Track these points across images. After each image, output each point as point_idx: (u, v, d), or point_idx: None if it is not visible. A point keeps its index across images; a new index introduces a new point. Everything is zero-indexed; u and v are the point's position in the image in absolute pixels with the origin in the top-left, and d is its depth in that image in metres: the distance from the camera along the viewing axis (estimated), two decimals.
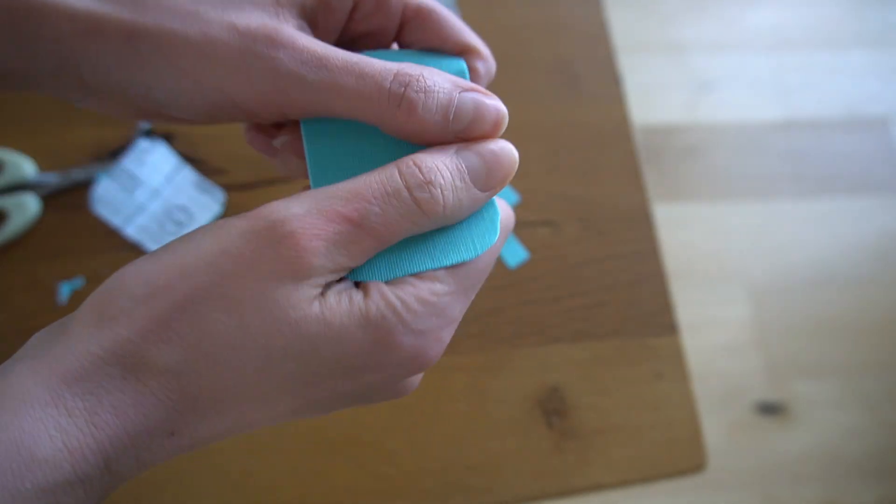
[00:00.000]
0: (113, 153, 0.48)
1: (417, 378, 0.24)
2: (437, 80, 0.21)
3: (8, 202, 0.46)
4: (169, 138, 0.50)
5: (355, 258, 0.20)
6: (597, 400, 0.47)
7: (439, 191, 0.20)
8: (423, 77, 0.21)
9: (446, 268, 0.21)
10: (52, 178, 0.47)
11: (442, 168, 0.21)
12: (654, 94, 1.36)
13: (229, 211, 0.48)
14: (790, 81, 1.40)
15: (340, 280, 0.21)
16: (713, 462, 1.22)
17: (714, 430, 1.13)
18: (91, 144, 0.49)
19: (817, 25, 1.46)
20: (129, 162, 0.47)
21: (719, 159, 1.32)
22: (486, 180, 0.22)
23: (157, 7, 0.21)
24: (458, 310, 0.22)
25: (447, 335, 0.22)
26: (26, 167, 0.47)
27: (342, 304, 0.20)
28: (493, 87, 0.54)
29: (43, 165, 0.48)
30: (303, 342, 0.19)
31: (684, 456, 0.47)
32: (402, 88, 0.21)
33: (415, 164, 0.20)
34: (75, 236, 0.46)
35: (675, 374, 0.49)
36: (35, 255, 0.46)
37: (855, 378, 1.20)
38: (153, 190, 0.47)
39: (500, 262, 0.49)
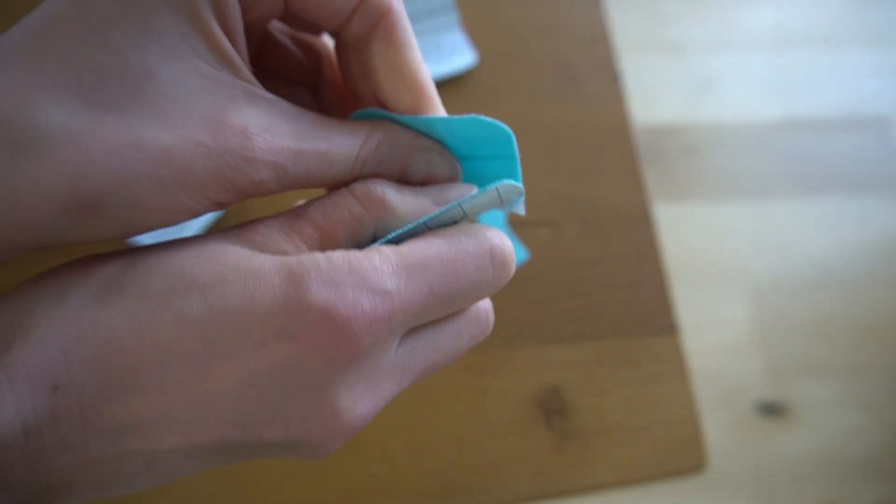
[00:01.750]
0: None
1: (358, 391, 0.19)
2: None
3: None
4: None
5: (294, 240, 0.19)
6: (597, 400, 0.47)
7: (379, 187, 0.20)
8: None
9: (392, 246, 0.19)
10: None
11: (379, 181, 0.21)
12: (654, 94, 1.36)
13: (229, 211, 0.48)
14: (790, 81, 1.40)
15: None
16: (713, 462, 1.21)
17: (714, 430, 1.13)
18: None
19: (818, 25, 1.46)
20: None
21: (719, 159, 1.32)
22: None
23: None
24: (391, 284, 0.18)
25: (374, 306, 0.18)
26: None
27: (267, 253, 0.19)
28: (494, 86, 0.54)
29: None
30: (213, 272, 0.17)
31: (684, 456, 0.47)
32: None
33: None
34: None
35: (675, 374, 0.48)
36: (35, 255, 0.46)
37: (856, 378, 1.20)
38: None
39: None
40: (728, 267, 1.31)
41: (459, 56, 0.54)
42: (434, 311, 0.19)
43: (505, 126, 0.21)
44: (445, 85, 0.54)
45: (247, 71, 0.19)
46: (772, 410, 1.21)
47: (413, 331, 0.20)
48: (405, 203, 0.20)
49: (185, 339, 0.17)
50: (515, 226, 0.51)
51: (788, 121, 1.40)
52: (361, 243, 0.20)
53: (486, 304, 0.23)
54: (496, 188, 0.21)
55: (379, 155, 0.21)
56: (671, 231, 1.31)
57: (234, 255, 0.18)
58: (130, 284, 0.17)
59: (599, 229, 0.51)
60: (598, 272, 0.50)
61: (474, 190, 0.22)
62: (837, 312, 1.26)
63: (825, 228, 1.30)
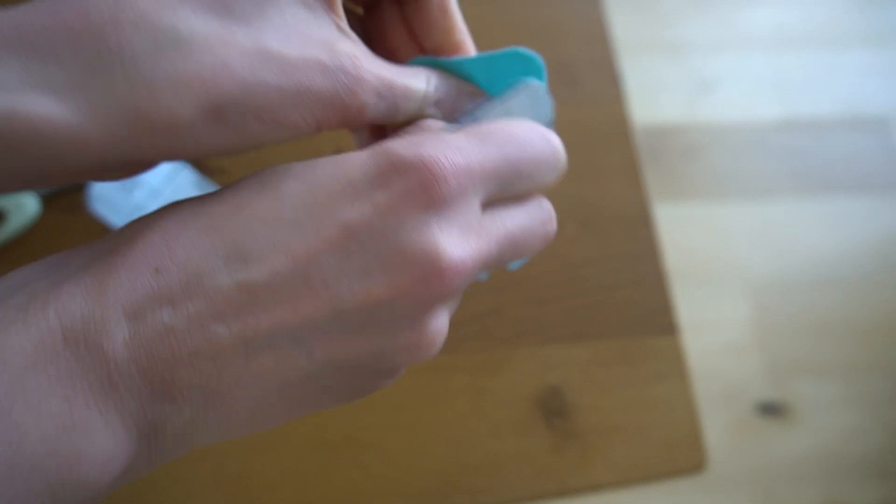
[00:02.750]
0: None
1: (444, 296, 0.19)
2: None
3: (7, 202, 0.45)
4: None
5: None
6: (597, 400, 0.47)
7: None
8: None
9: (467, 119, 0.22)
10: None
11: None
12: (654, 94, 1.36)
13: None
14: (790, 81, 1.40)
15: None
16: (713, 462, 1.21)
17: (714, 430, 1.13)
18: None
19: (817, 25, 1.46)
20: None
21: (719, 159, 1.32)
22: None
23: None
24: (466, 144, 0.19)
25: (450, 153, 0.18)
26: None
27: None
28: None
29: None
30: (303, 164, 0.18)
31: (684, 456, 0.47)
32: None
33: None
34: (75, 237, 0.46)
35: (675, 374, 0.48)
36: (34, 256, 0.46)
37: (856, 378, 1.20)
38: (152, 189, 0.47)
39: None
40: (728, 267, 1.31)
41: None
42: (507, 179, 0.20)
43: (538, 56, 0.23)
44: None
45: (340, 9, 0.20)
46: (772, 410, 1.21)
47: (491, 203, 0.21)
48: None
49: (284, 209, 0.17)
50: None
51: (788, 121, 1.40)
52: None
53: (548, 203, 0.23)
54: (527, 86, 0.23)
55: (437, 95, 0.22)
56: (671, 231, 1.31)
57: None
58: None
59: (599, 229, 0.51)
60: (598, 272, 0.50)
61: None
62: (837, 312, 1.26)
63: (825, 228, 1.30)
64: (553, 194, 0.52)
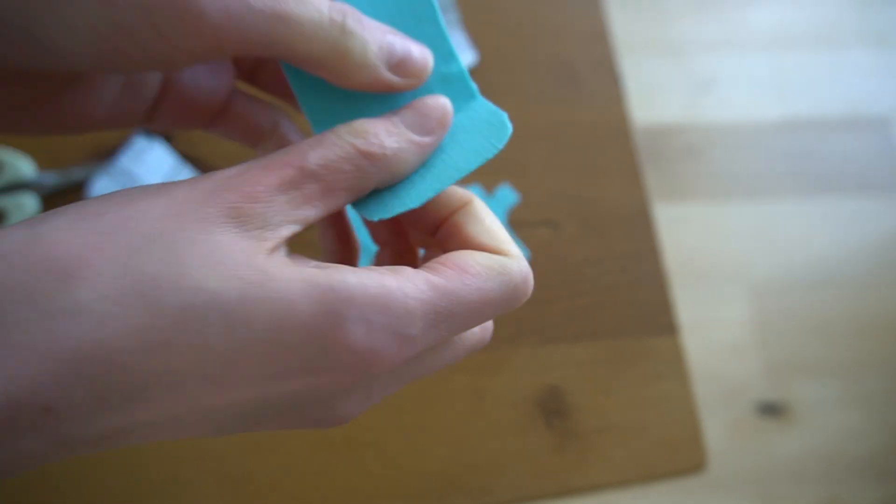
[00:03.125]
0: (112, 152, 0.48)
1: (355, 404, 0.21)
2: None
3: (7, 202, 0.45)
4: (168, 138, 0.50)
5: (301, 205, 0.19)
6: (597, 400, 0.47)
7: (373, 132, 0.20)
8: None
9: (426, 277, 0.19)
10: (52, 178, 0.47)
11: (373, 120, 0.21)
12: (654, 94, 1.36)
13: None
14: (790, 81, 1.40)
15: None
16: (713, 462, 1.21)
17: (714, 430, 1.13)
18: (90, 143, 0.49)
19: (817, 25, 1.46)
20: (126, 160, 0.47)
21: (719, 159, 1.32)
22: (421, 123, 0.22)
23: None
24: (418, 331, 0.19)
25: (399, 351, 0.19)
26: (25, 167, 0.47)
27: (291, 263, 0.18)
28: (494, 87, 0.54)
29: (42, 165, 0.48)
30: (234, 289, 0.17)
31: (684, 456, 0.47)
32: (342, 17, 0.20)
33: (347, 124, 0.21)
34: None
35: (675, 374, 0.48)
36: None
37: (856, 378, 1.20)
38: None
39: None
40: (728, 267, 1.31)
41: (460, 56, 0.54)
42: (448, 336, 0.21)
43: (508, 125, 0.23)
44: None
45: None
46: (772, 410, 1.21)
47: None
48: (403, 148, 0.21)
49: (202, 363, 0.17)
50: (515, 226, 0.51)
51: (788, 121, 1.40)
52: (361, 191, 0.21)
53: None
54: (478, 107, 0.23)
55: (347, 26, 0.21)
56: (671, 231, 1.31)
57: (249, 260, 0.18)
58: (138, 300, 0.16)
59: (599, 229, 0.51)
60: (598, 272, 0.50)
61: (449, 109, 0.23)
62: (837, 312, 1.26)
63: (825, 228, 1.30)
64: (553, 194, 0.53)
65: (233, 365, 0.17)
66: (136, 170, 0.47)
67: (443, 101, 0.22)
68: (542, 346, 0.48)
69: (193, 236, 0.17)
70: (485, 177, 0.52)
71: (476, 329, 0.23)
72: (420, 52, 0.22)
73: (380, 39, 0.21)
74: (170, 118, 0.26)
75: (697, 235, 1.25)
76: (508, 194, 0.51)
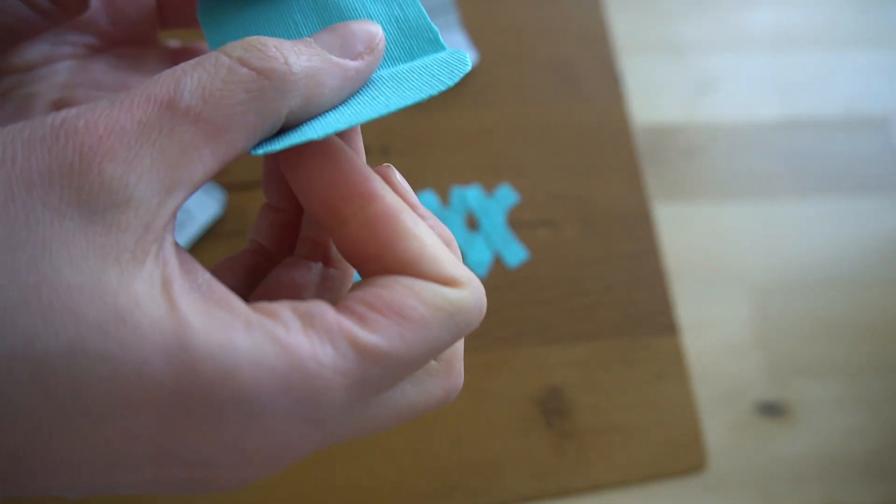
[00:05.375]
0: None
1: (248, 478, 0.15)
2: None
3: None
4: None
5: (178, 158, 0.13)
6: (597, 400, 0.47)
7: (273, 45, 0.15)
8: None
9: (351, 334, 0.14)
10: None
11: (275, 38, 0.16)
12: (654, 94, 1.36)
13: (229, 211, 0.48)
14: (790, 81, 1.40)
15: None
16: (713, 462, 1.21)
17: (714, 430, 1.13)
18: None
19: (817, 25, 1.46)
20: None
21: (719, 159, 1.32)
22: (343, 45, 0.17)
23: None
24: (337, 408, 0.14)
25: (303, 441, 0.14)
26: None
27: (162, 283, 0.12)
28: (494, 86, 0.54)
29: None
30: (60, 332, 0.11)
31: (684, 456, 0.47)
32: None
33: (244, 40, 0.15)
34: None
35: (675, 374, 0.48)
36: None
37: (856, 378, 1.20)
38: None
39: (500, 263, 0.49)
40: (728, 267, 1.31)
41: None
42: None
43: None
44: None
45: None
46: (772, 410, 1.21)
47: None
48: (317, 68, 0.16)
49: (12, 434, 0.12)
50: (515, 226, 0.51)
51: (788, 121, 1.40)
52: (264, 127, 0.15)
53: (458, 366, 0.18)
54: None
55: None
56: (671, 231, 1.31)
57: (95, 278, 0.12)
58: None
59: (599, 229, 0.51)
60: (598, 272, 0.50)
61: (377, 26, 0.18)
62: (837, 312, 1.26)
63: (825, 228, 1.30)
64: (553, 194, 0.53)
65: (56, 439, 0.12)
66: None
67: (369, 24, 0.17)
68: (542, 346, 0.48)
69: (2, 229, 0.12)
70: (485, 177, 0.52)
71: (437, 390, 0.17)
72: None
73: None
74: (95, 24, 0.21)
75: (697, 235, 1.25)
76: (508, 194, 0.51)
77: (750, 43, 1.43)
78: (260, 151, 0.15)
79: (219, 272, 0.18)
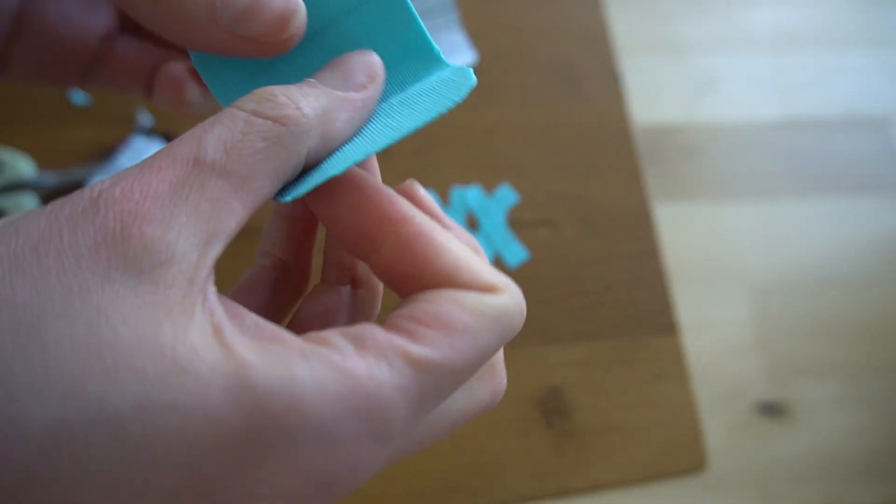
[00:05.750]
0: (111, 152, 0.48)
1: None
2: None
3: (7, 202, 0.45)
4: (168, 137, 0.50)
5: (210, 213, 0.14)
6: (597, 400, 0.47)
7: (282, 93, 0.16)
8: None
9: (404, 350, 0.14)
10: (52, 178, 0.47)
11: (280, 86, 0.16)
12: (654, 94, 1.36)
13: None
14: (790, 81, 1.40)
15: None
16: (713, 462, 1.21)
17: (714, 430, 1.13)
18: (90, 143, 0.49)
19: (817, 25, 1.46)
20: (126, 160, 0.47)
21: (719, 159, 1.32)
22: (346, 79, 0.17)
23: None
24: (400, 422, 0.14)
25: (373, 457, 0.14)
26: (25, 167, 0.47)
27: (212, 331, 0.13)
28: (494, 86, 0.54)
29: (42, 165, 0.48)
30: (127, 392, 0.12)
31: (684, 456, 0.47)
32: None
33: (253, 93, 0.16)
34: None
35: (675, 374, 0.48)
36: None
37: (856, 378, 1.20)
38: None
39: (500, 263, 0.49)
40: (728, 267, 1.31)
41: (459, 56, 0.54)
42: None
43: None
44: None
45: None
46: (772, 410, 1.20)
47: None
48: (328, 106, 0.17)
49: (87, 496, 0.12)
50: (515, 226, 0.51)
51: (788, 121, 1.40)
52: (287, 171, 0.16)
53: (500, 368, 0.18)
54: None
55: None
56: (671, 231, 1.31)
57: (150, 337, 0.12)
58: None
59: (599, 229, 0.51)
60: (598, 272, 0.50)
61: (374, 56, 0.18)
62: (837, 312, 1.26)
63: (825, 228, 1.30)
64: (553, 194, 0.53)
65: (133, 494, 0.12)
66: None
67: (366, 54, 0.18)
68: (543, 346, 0.48)
69: (60, 301, 0.12)
70: (485, 177, 0.52)
71: (484, 394, 0.18)
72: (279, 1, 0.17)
73: None
74: (33, 59, 0.21)
75: (697, 235, 1.25)
76: (508, 194, 0.51)
77: (750, 43, 1.43)
78: (288, 198, 0.16)
79: (241, 294, 0.19)
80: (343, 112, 0.17)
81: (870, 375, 1.20)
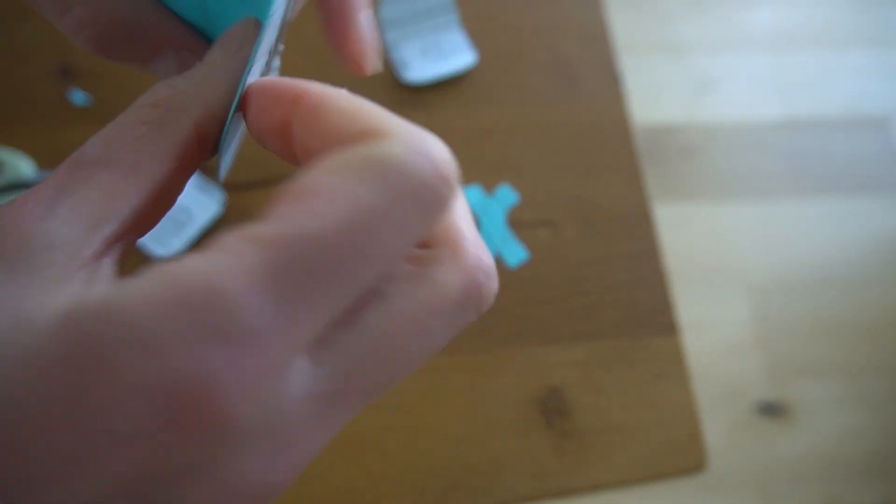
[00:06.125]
0: None
1: (231, 476, 0.12)
2: None
3: (7, 202, 0.45)
4: None
5: (100, 201, 0.15)
6: (597, 400, 0.47)
7: (166, 84, 0.17)
8: None
9: (245, 233, 0.12)
10: None
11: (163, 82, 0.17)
12: (654, 94, 1.36)
13: (229, 211, 0.48)
14: (790, 81, 1.40)
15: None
16: (713, 462, 1.21)
17: (714, 430, 1.13)
18: None
19: (817, 25, 1.46)
20: None
21: (719, 159, 1.32)
22: (223, 50, 0.18)
23: None
24: (260, 319, 0.11)
25: (228, 366, 0.11)
26: (25, 167, 0.47)
27: (71, 292, 0.13)
28: (494, 86, 0.54)
29: (42, 165, 0.48)
30: None
31: (684, 456, 0.47)
32: None
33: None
34: None
35: (675, 374, 0.48)
36: None
37: (856, 378, 1.20)
38: None
39: (500, 262, 0.49)
40: (728, 267, 1.31)
41: (459, 56, 0.54)
42: (345, 301, 0.13)
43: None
44: (445, 85, 0.54)
45: None
46: (772, 410, 1.21)
47: (332, 329, 0.13)
48: (198, 78, 0.17)
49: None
50: (515, 226, 0.51)
51: (788, 121, 1.40)
52: (187, 146, 0.16)
53: (468, 248, 0.15)
54: None
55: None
56: (671, 231, 1.31)
57: (10, 301, 0.13)
58: None
59: (599, 229, 0.51)
60: (598, 272, 0.50)
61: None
62: (837, 312, 1.26)
63: (825, 228, 1.30)
64: (553, 194, 0.53)
65: None
66: None
67: (241, 23, 0.18)
68: (542, 346, 0.48)
69: None
70: (485, 177, 0.52)
71: (451, 279, 0.14)
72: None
73: None
74: None
75: (697, 235, 1.25)
76: (508, 194, 0.51)
77: (750, 43, 1.43)
78: (221, 177, 0.17)
79: None
80: (222, 76, 0.17)
81: (870, 375, 1.20)
